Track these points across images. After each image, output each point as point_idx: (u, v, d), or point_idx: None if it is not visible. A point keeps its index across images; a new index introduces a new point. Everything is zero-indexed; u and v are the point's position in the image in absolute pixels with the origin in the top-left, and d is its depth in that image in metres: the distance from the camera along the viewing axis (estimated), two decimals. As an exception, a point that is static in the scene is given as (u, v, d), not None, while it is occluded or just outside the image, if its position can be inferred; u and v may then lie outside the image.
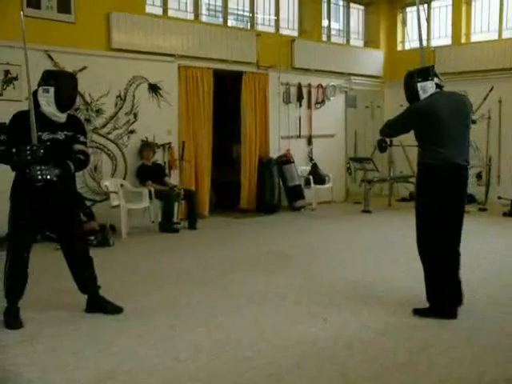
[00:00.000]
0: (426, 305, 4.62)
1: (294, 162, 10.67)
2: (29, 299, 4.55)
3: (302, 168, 10.97)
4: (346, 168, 11.88)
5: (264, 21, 11.06)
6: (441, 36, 12.30)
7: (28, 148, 4.05)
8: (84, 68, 8.11)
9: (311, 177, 10.79)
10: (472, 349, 3.92)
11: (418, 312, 4.57)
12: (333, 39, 12.31)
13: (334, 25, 12.50)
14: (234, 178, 10.49)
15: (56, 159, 4.24)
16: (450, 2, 11.92)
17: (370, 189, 10.52)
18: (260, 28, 10.88)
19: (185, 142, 9.25)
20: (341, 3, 12.53)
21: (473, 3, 11.72)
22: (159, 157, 9.13)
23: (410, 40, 12.15)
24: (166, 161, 9.24)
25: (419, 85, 4.56)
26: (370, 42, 12.90)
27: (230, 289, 5.42)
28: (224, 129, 10.55)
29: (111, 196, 8.16)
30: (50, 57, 7.84)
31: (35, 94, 4.36)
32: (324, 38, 11.95)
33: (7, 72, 7.52)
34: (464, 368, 3.61)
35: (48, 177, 4.15)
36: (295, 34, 11.46)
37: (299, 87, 11.10)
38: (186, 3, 9.92)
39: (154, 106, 9.06)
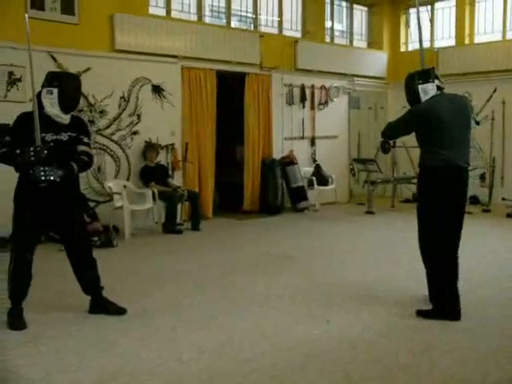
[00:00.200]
0: (429, 306, 4.63)
1: (297, 163, 10.67)
2: (32, 300, 4.55)
3: (305, 169, 10.97)
4: (350, 169, 11.88)
5: (267, 22, 11.07)
6: (444, 37, 12.29)
7: (32, 149, 4.07)
8: (88, 69, 8.13)
9: (314, 178, 10.79)
10: (474, 350, 3.91)
11: (421, 313, 4.57)
12: (336, 40, 12.30)
13: (337, 26, 12.49)
14: (238, 179, 10.49)
15: (59, 160, 4.25)
16: (454, 2, 11.91)
17: (373, 190, 10.52)
18: (263, 29, 10.89)
19: (188, 143, 9.26)
20: (344, 4, 12.53)
21: (476, 4, 11.70)
22: (162, 158, 9.13)
23: (413, 41, 12.13)
24: (170, 162, 9.25)
25: (420, 87, 4.57)
26: (373, 43, 12.89)
27: (233, 290, 5.42)
28: (227, 130, 10.55)
29: (115, 197, 8.17)
30: (53, 58, 7.86)
31: (39, 95, 4.38)
32: (327, 39, 11.93)
33: (11, 73, 7.54)
34: (467, 369, 3.61)
35: (51, 178, 4.16)
36: (298, 35, 11.47)
37: (302, 88, 11.10)
38: (190, 4, 9.93)
39: (157, 107, 9.07)
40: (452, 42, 12.00)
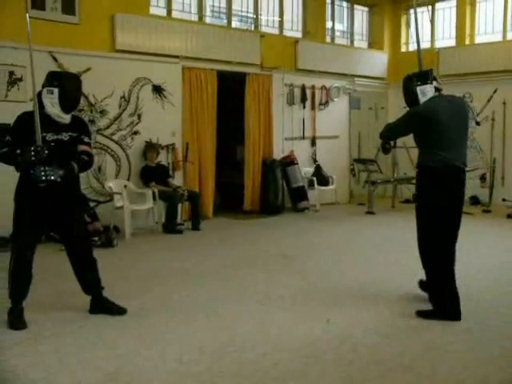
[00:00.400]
0: (429, 306, 4.63)
1: (297, 164, 10.67)
2: (33, 300, 4.55)
3: (305, 169, 10.96)
4: (350, 169, 11.89)
5: (268, 22, 11.07)
6: (445, 37, 12.28)
7: (32, 149, 4.06)
8: (88, 69, 8.12)
9: (315, 178, 10.78)
10: (475, 352, 3.91)
11: (422, 314, 4.57)
12: (337, 41, 12.30)
13: (337, 26, 12.48)
14: (238, 180, 10.49)
15: (60, 160, 4.24)
16: (454, 3, 11.91)
17: (373, 190, 10.52)
18: (264, 29, 10.88)
19: (188, 143, 9.26)
20: (345, 5, 12.52)
21: (477, 4, 11.69)
22: (163, 158, 9.13)
23: (413, 41, 12.11)
24: (170, 162, 9.25)
25: (418, 88, 4.60)
26: (373, 43, 12.88)
27: (234, 290, 5.42)
28: (228, 130, 10.55)
29: (115, 197, 8.17)
30: (54, 58, 7.86)
31: (39, 95, 4.37)
32: (328, 39, 11.93)
33: (12, 73, 7.54)
34: (468, 371, 3.60)
35: (52, 177, 4.16)
36: (299, 35, 11.46)
37: (303, 88, 11.10)
38: (190, 4, 9.93)
39: (157, 107, 9.07)
40: (452, 43, 12.00)
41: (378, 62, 12.47)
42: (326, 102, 11.51)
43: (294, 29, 11.43)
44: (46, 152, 4.09)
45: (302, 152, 11.09)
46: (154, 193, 8.41)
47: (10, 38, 7.28)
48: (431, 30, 12.40)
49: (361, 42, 12.88)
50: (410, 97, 4.67)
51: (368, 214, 10.25)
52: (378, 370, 3.61)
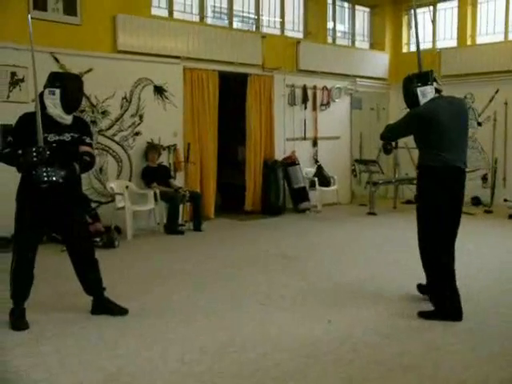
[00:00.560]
0: (430, 306, 4.63)
1: (299, 164, 10.67)
2: (35, 300, 4.56)
3: (307, 170, 10.96)
4: (351, 170, 11.87)
5: (269, 23, 11.07)
6: (446, 38, 12.27)
7: (34, 149, 4.07)
8: (90, 70, 8.13)
9: (316, 179, 10.78)
10: (476, 352, 3.91)
11: (423, 315, 4.57)
12: (338, 41, 12.30)
13: (339, 27, 12.49)
14: (239, 180, 10.49)
15: (62, 161, 4.25)
16: (456, 3, 11.91)
17: (375, 191, 10.52)
18: (265, 30, 10.89)
19: (190, 143, 9.26)
20: (346, 5, 12.52)
21: (478, 5, 11.69)
22: (164, 159, 9.14)
23: (415, 42, 12.13)
24: (172, 163, 9.25)
25: (419, 89, 4.61)
26: (375, 44, 12.89)
27: (234, 290, 5.42)
28: (229, 131, 10.56)
29: (116, 198, 8.18)
30: (55, 59, 7.86)
31: (41, 95, 4.38)
32: (329, 40, 11.93)
33: (14, 74, 7.55)
34: (469, 371, 3.60)
35: (54, 178, 4.16)
36: (300, 36, 11.47)
37: (304, 89, 11.10)
38: (192, 5, 9.93)
39: (159, 107, 9.07)
40: (454, 43, 12.00)
41: (379, 63, 12.47)
42: (328, 103, 11.51)
43: (295, 29, 11.43)
44: (48, 153, 4.09)
45: (304, 152, 11.09)
46: (155, 193, 8.42)
47: (12, 39, 7.30)
48: (433, 31, 12.39)
49: (362, 42, 12.88)
50: (411, 98, 4.68)
51: (369, 215, 10.25)
52: (379, 370, 3.61)
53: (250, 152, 10.31)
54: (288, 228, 9.11)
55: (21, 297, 4.43)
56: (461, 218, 4.67)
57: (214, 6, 10.40)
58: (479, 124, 11.22)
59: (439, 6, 12.30)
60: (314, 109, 11.32)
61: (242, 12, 10.76)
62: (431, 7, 12.21)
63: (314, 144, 11.36)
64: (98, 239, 7.25)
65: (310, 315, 4.69)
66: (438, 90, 4.64)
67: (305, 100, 11.11)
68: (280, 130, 10.72)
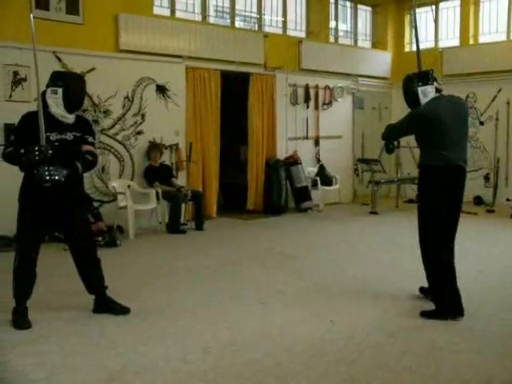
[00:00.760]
0: (433, 306, 4.63)
1: (301, 164, 10.66)
2: (37, 299, 4.57)
3: (309, 169, 10.96)
4: (354, 169, 11.87)
5: (271, 22, 11.07)
6: (449, 37, 12.26)
7: (36, 148, 4.07)
8: (92, 69, 8.13)
9: (318, 178, 10.78)
10: (479, 352, 3.90)
11: (425, 314, 4.58)
12: (340, 40, 12.30)
13: (341, 26, 12.49)
14: (241, 180, 10.50)
15: (64, 160, 4.25)
16: (458, 3, 11.89)
17: (377, 190, 10.51)
18: (267, 29, 10.89)
19: (192, 143, 9.26)
20: (348, 4, 12.52)
21: (481, 4, 11.68)
22: (167, 158, 9.14)
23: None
24: (174, 162, 9.26)
25: (420, 89, 4.63)
26: (377, 43, 12.88)
27: (237, 290, 5.42)
28: (231, 130, 10.56)
29: (119, 197, 8.19)
30: (58, 58, 7.87)
31: (43, 94, 4.38)
32: (331, 39, 11.93)
33: (16, 73, 7.56)
34: (472, 371, 3.60)
35: (56, 177, 4.16)
36: (303, 35, 11.47)
37: (306, 88, 11.10)
38: (194, 4, 9.93)
39: (161, 107, 9.08)
40: (456, 42, 11.99)
41: (381, 62, 12.47)
42: (330, 102, 11.51)
43: (297, 29, 11.43)
44: (50, 152, 4.09)
45: (306, 152, 11.09)
46: (157, 193, 8.42)
47: (14, 38, 7.30)
48: (435, 30, 12.38)
49: (364, 41, 12.88)
50: (411, 97, 4.70)
51: (371, 214, 10.24)
52: (381, 370, 3.61)
53: (252, 151, 10.31)
54: (290, 227, 9.10)
55: (23, 296, 4.44)
56: (459, 217, 4.70)
57: (216, 5, 10.41)
58: (481, 123, 11.20)
59: (441, 5, 12.29)
60: (316, 108, 11.31)
61: (244, 11, 10.76)
62: (433, 6, 12.20)
63: (316, 143, 11.36)
64: (100, 238, 7.25)
65: (312, 315, 4.68)
66: (438, 90, 4.65)
67: (307, 99, 11.11)
68: (282, 129, 10.72)
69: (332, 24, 11.97)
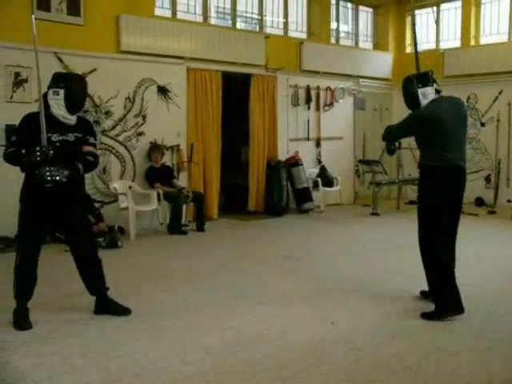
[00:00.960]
0: (433, 306, 4.64)
1: (302, 165, 10.66)
2: (37, 300, 4.57)
3: (310, 170, 10.96)
4: (355, 170, 11.87)
5: (272, 23, 11.08)
6: (450, 38, 12.27)
7: (38, 149, 4.08)
8: (93, 70, 8.14)
9: (319, 179, 10.78)
10: (480, 352, 3.90)
11: (426, 316, 4.58)
12: (341, 42, 12.31)
13: (342, 27, 12.50)
14: (243, 181, 10.50)
15: (65, 161, 4.26)
16: (460, 4, 11.89)
17: (378, 191, 10.51)
18: (269, 30, 10.90)
19: (193, 144, 9.27)
20: (349, 5, 12.53)
21: (482, 5, 11.68)
22: (168, 159, 9.14)
23: (418, 42, 12.11)
24: (175, 163, 9.26)
25: (420, 91, 4.67)
26: (378, 44, 12.89)
27: (238, 290, 5.42)
28: (232, 131, 10.56)
29: (120, 198, 8.19)
30: (59, 59, 7.88)
31: (45, 95, 4.39)
32: (333, 40, 11.95)
33: (17, 74, 7.56)
34: (472, 372, 3.60)
35: (57, 178, 4.17)
36: (304, 36, 11.48)
37: (308, 90, 11.10)
38: (195, 6, 9.94)
39: (162, 108, 9.08)
40: (458, 44, 11.99)
41: (382, 63, 12.47)
42: (331, 103, 11.51)
43: (298, 30, 11.45)
44: (52, 152, 4.10)
45: (307, 153, 11.09)
46: (158, 194, 8.42)
47: (16, 39, 7.30)
48: (436, 31, 12.39)
49: (365, 42, 12.89)
50: (411, 98, 4.73)
51: (373, 215, 10.24)
52: (382, 370, 3.61)
53: (254, 152, 10.31)
54: (291, 228, 9.11)
55: (24, 297, 4.44)
56: (460, 218, 4.76)
57: (218, 7, 10.42)
58: (482, 125, 11.21)
59: (443, 6, 12.30)
60: (318, 109, 11.32)
61: (246, 12, 10.77)
62: (435, 8, 12.20)
63: (318, 144, 11.36)
64: (101, 239, 7.26)
65: (313, 315, 4.68)
66: (437, 91, 4.70)
67: (308, 100, 11.12)
68: (283, 130, 10.73)
69: (333, 25, 11.98)
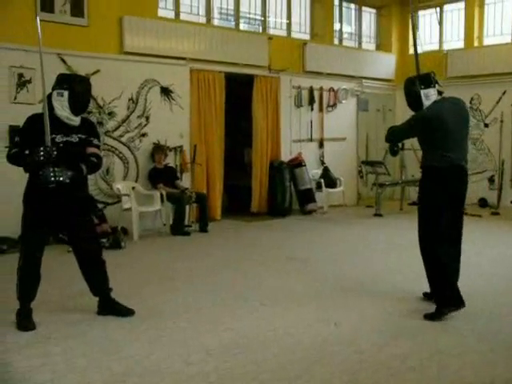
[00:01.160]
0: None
1: (305, 166, 10.66)
2: (41, 301, 4.58)
3: (313, 171, 10.96)
4: (358, 171, 11.87)
5: (276, 24, 11.08)
6: (453, 39, 12.25)
7: (41, 149, 4.08)
8: (97, 71, 8.15)
9: (322, 180, 10.78)
10: (483, 354, 3.89)
11: (428, 316, 4.58)
12: (344, 43, 12.31)
13: (345, 28, 12.50)
14: (246, 182, 10.50)
15: (69, 162, 4.27)
16: (463, 5, 11.89)
17: (381, 192, 10.50)
18: (272, 32, 10.91)
19: (196, 145, 9.27)
20: (352, 6, 12.53)
21: (486, 6, 11.67)
22: (171, 160, 9.15)
23: (421, 43, 12.10)
24: (178, 164, 9.26)
25: (423, 92, 4.71)
26: (381, 45, 12.88)
27: (241, 291, 5.42)
28: (235, 132, 10.56)
29: (123, 199, 8.20)
30: (63, 60, 7.89)
31: (49, 97, 4.40)
32: (336, 41, 11.94)
33: (21, 75, 7.58)
34: (475, 373, 3.59)
35: (61, 178, 4.18)
36: (307, 37, 11.48)
37: (311, 91, 11.10)
38: (198, 7, 9.95)
39: (165, 109, 9.09)
40: (461, 45, 11.98)
41: (385, 64, 12.47)
42: (334, 104, 11.51)
43: (301, 31, 11.44)
44: (55, 152, 4.11)
45: (310, 154, 11.09)
46: (161, 195, 8.43)
47: (19, 41, 7.32)
48: (439, 32, 12.38)
49: (369, 43, 12.88)
50: (414, 99, 4.77)
51: (376, 217, 10.23)
52: (385, 372, 3.60)
53: (257, 153, 10.31)
54: (294, 229, 9.10)
55: (27, 297, 4.44)
56: (463, 219, 4.82)
57: (221, 8, 10.42)
58: (486, 125, 11.19)
59: (446, 7, 12.29)
60: (321, 110, 11.31)
61: (249, 13, 10.78)
62: (438, 8, 12.19)
63: (321, 145, 11.36)
64: (104, 240, 7.26)
65: (316, 316, 4.68)
66: (439, 92, 4.73)
67: (311, 101, 11.12)
68: (286, 131, 10.73)
69: (336, 26, 11.98)
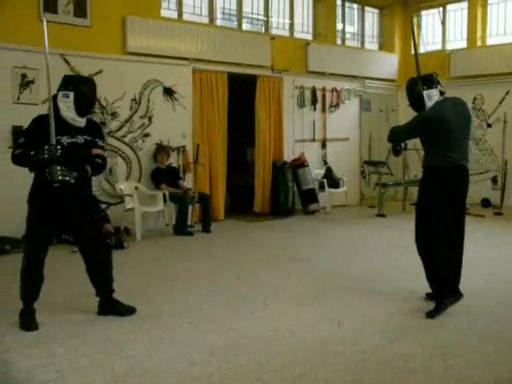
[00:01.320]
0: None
1: (308, 166, 10.66)
2: (44, 301, 4.58)
3: (316, 171, 10.96)
4: (361, 172, 11.85)
5: (278, 24, 11.08)
6: (456, 39, 12.24)
7: (46, 147, 4.09)
8: (100, 71, 8.16)
9: (325, 180, 10.77)
10: (487, 353, 3.89)
11: (430, 315, 4.60)
12: (347, 43, 12.30)
13: (348, 28, 12.49)
14: (249, 182, 10.50)
15: (74, 163, 4.28)
16: (466, 4, 11.86)
17: (384, 193, 10.49)
18: (274, 32, 10.90)
19: (199, 145, 9.27)
20: (355, 7, 12.52)
21: (489, 6, 11.65)
22: (174, 160, 9.16)
23: (424, 43, 12.10)
24: (181, 164, 9.27)
25: (425, 92, 4.74)
26: (384, 45, 12.87)
27: (243, 291, 5.42)
28: (238, 132, 10.56)
29: (126, 199, 8.21)
30: (66, 60, 7.90)
31: (55, 98, 4.40)
32: (338, 41, 11.94)
33: (24, 76, 7.58)
34: (480, 372, 3.59)
35: (67, 178, 4.19)
36: (310, 37, 11.48)
37: (313, 91, 11.10)
38: (201, 7, 9.95)
39: (168, 109, 9.10)
40: (464, 44, 11.96)
41: (388, 64, 12.46)
42: (337, 104, 11.51)
43: (304, 31, 11.44)
44: (60, 151, 4.11)
45: (313, 154, 11.09)
46: (164, 195, 8.43)
47: (22, 41, 7.34)
48: (442, 32, 12.36)
49: (371, 44, 12.87)
50: (416, 100, 4.80)
51: (378, 217, 10.22)
52: (388, 372, 3.60)
53: (259, 153, 10.32)
54: (297, 229, 9.10)
55: (30, 297, 4.45)
56: (465, 218, 4.85)
57: (224, 8, 10.43)
58: (489, 126, 11.17)
59: (449, 7, 12.27)
60: (323, 110, 11.31)
61: (252, 14, 10.78)
62: (441, 8, 12.17)
63: (323, 145, 11.35)
64: (107, 240, 7.25)
65: (319, 316, 4.68)
66: (441, 92, 4.75)
67: (314, 101, 11.12)
68: (289, 131, 10.73)
69: (339, 26, 11.96)
